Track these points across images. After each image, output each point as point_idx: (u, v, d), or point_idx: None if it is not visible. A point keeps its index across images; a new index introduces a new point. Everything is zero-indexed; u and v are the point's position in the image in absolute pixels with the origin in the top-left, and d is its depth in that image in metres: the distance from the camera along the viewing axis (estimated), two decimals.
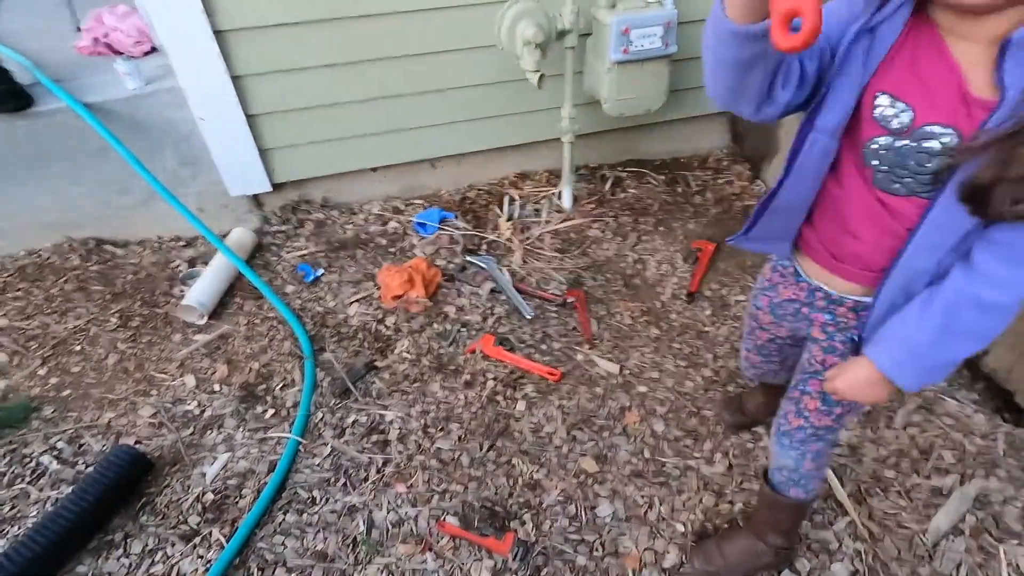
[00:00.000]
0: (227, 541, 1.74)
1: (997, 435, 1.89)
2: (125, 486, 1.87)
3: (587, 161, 3.44)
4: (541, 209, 3.10)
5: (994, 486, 1.76)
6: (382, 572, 1.69)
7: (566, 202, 3.10)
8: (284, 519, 1.82)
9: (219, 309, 2.63)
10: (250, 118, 2.74)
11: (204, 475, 1.95)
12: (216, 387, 2.27)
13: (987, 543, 1.66)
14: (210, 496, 1.89)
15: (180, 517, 1.84)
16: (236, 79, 2.61)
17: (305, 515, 1.83)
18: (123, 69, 2.60)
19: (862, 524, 1.73)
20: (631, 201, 3.19)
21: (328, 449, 2.02)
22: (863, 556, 1.67)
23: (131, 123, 2.68)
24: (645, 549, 1.72)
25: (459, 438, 2.03)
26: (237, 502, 1.88)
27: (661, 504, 1.82)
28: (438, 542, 1.74)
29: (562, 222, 3.02)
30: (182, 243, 3.05)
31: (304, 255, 2.90)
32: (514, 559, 1.67)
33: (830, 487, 1.83)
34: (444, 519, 1.80)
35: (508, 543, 1.70)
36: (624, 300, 2.58)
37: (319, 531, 1.79)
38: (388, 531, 1.78)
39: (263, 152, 2.87)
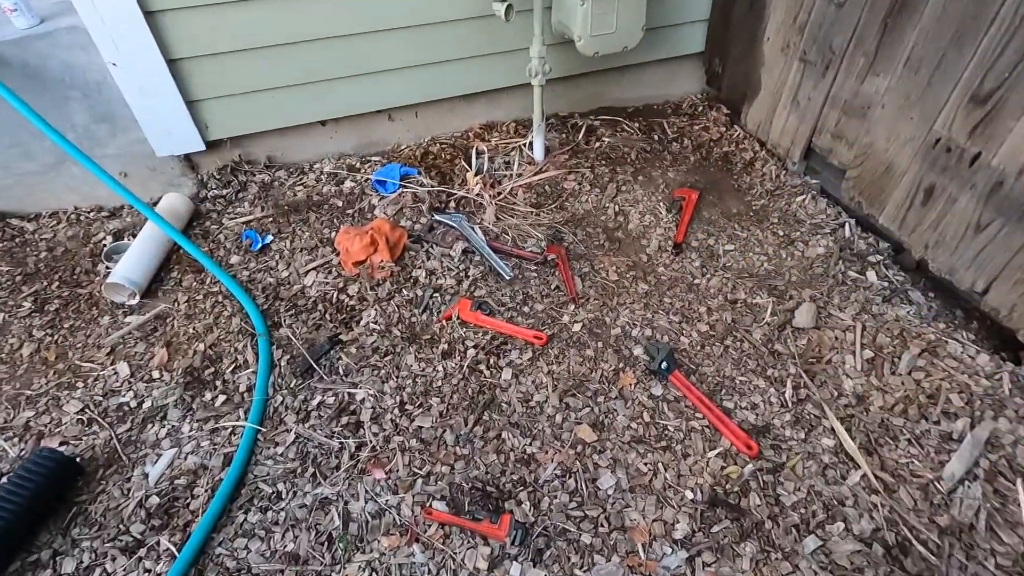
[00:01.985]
0: (179, 550, 1.50)
1: (1002, 375, 1.83)
2: (51, 495, 1.60)
3: (557, 110, 3.20)
4: (511, 161, 2.85)
5: (1004, 427, 1.70)
6: (364, 570, 1.49)
7: (538, 153, 2.86)
8: (246, 519, 1.59)
9: (154, 286, 2.31)
10: (173, 63, 2.36)
11: (146, 476, 1.69)
12: (155, 374, 1.98)
13: (1003, 486, 1.59)
14: (155, 500, 1.63)
15: (120, 527, 1.58)
16: (151, 15, 2.22)
17: (270, 513, 1.60)
18: (8, 4, 2.17)
19: (874, 476, 1.64)
20: (607, 150, 2.97)
21: (292, 436, 1.78)
22: (879, 509, 1.58)
23: (24, 70, 2.26)
24: (654, 520, 1.58)
25: (441, 414, 1.83)
26: (188, 504, 1.63)
27: (666, 470, 1.68)
28: (425, 531, 1.55)
29: (535, 175, 2.79)
30: (105, 213, 2.67)
31: (249, 221, 2.57)
32: (513, 543, 1.51)
33: (839, 441, 1.72)
34: (430, 505, 1.61)
35: (505, 526, 1.53)
36: (608, 255, 2.40)
37: (288, 530, 1.57)
38: (368, 523, 1.58)
39: (192, 104, 2.50)
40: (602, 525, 1.57)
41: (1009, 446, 1.66)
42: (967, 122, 1.86)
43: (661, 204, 2.64)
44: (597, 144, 3.01)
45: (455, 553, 1.51)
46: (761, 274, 2.29)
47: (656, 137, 3.09)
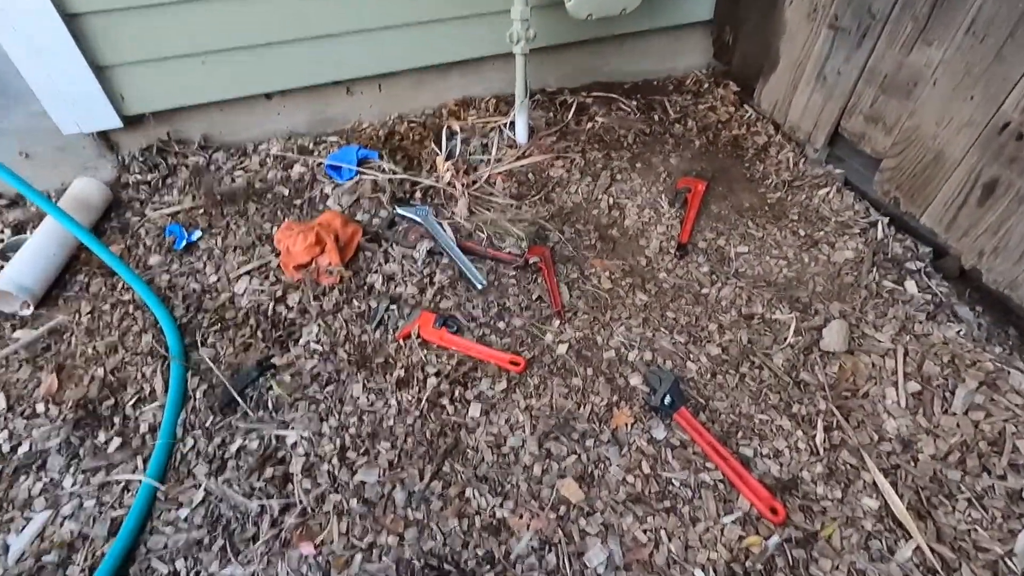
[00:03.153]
0: None
1: None
2: None
3: (543, 85, 2.79)
4: (490, 144, 2.45)
5: None
6: None
7: (520, 134, 2.46)
8: None
9: (55, 291, 1.91)
10: (72, 19, 1.92)
11: (7, 550, 1.32)
12: (40, 407, 1.59)
13: None
14: None
15: None
16: None
17: None
18: None
19: (930, 550, 1.31)
20: (600, 132, 2.58)
21: (200, 495, 1.41)
22: None
23: None
24: None
25: (391, 464, 1.47)
26: None
27: (671, 540, 1.34)
28: None
29: (517, 160, 2.40)
30: (4, 202, 2.25)
31: (177, 213, 2.17)
32: None
33: (884, 501, 1.39)
34: None
35: None
36: (600, 257, 2.03)
37: None
38: None
39: (101, 71, 2.06)
40: None
41: None
42: None
43: (662, 196, 2.26)
44: (589, 125, 2.62)
45: None
46: (780, 283, 1.94)
47: (656, 117, 2.70)
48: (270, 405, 1.59)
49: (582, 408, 1.59)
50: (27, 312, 1.84)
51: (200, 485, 1.42)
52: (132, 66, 2.10)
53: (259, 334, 1.76)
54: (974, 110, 1.68)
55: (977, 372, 1.60)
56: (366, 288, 1.91)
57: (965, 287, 1.92)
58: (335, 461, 1.47)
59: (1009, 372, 1.60)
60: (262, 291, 1.88)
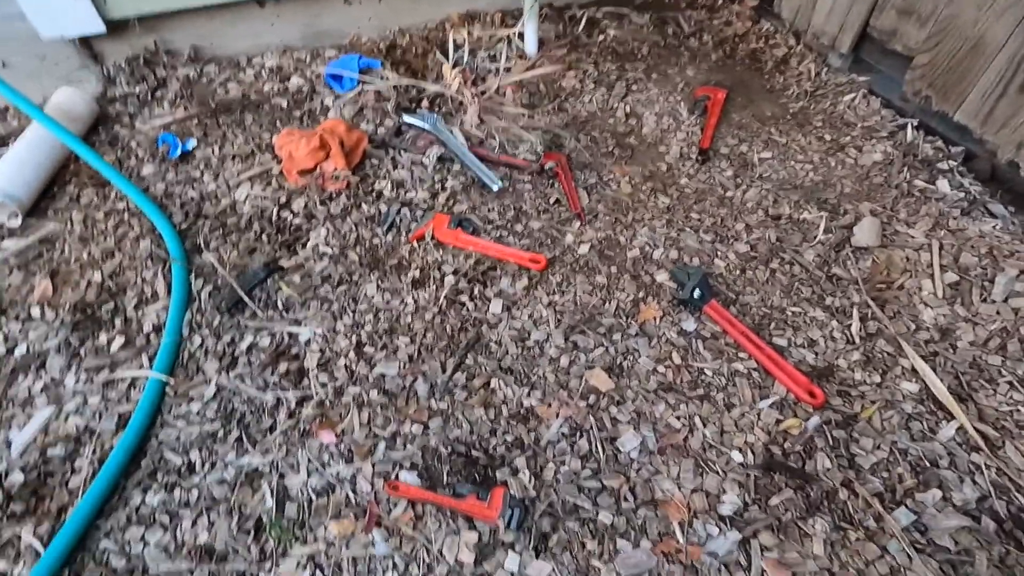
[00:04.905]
0: (45, 546, 1.08)
1: None
2: None
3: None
4: (498, 55, 2.32)
5: None
6: (305, 567, 1.09)
7: (530, 45, 2.33)
8: (144, 501, 1.17)
9: (43, 203, 1.80)
10: None
11: (9, 445, 1.25)
12: (35, 311, 1.51)
13: None
14: (18, 477, 1.20)
15: None
16: None
17: (178, 491, 1.18)
18: None
19: (974, 429, 1.27)
20: (612, 45, 2.46)
21: (212, 389, 1.34)
22: (983, 471, 1.21)
23: None
24: (693, 491, 1.19)
25: (410, 357, 1.40)
26: (66, 482, 1.20)
27: (705, 426, 1.29)
28: (390, 512, 1.15)
29: (527, 70, 2.27)
30: None
31: (169, 124, 2.04)
32: (508, 526, 1.11)
33: (924, 384, 1.34)
34: (396, 477, 1.20)
35: (497, 504, 1.13)
36: (619, 164, 1.94)
37: (201, 514, 1.15)
38: (311, 503, 1.17)
39: None
40: (625, 499, 1.18)
41: None
42: None
43: (681, 105, 2.16)
44: (601, 37, 2.49)
45: (430, 541, 1.12)
46: (807, 185, 1.86)
47: (671, 31, 2.57)
48: (280, 305, 1.51)
49: (607, 304, 1.52)
50: (15, 223, 1.74)
51: (211, 381, 1.35)
52: None
53: (264, 238, 1.67)
54: None
55: (1017, 261, 1.54)
56: (375, 194, 1.81)
57: (997, 188, 1.85)
58: (352, 355, 1.40)
59: None
60: (265, 197, 1.78)
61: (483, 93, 2.18)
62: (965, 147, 1.89)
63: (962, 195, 1.77)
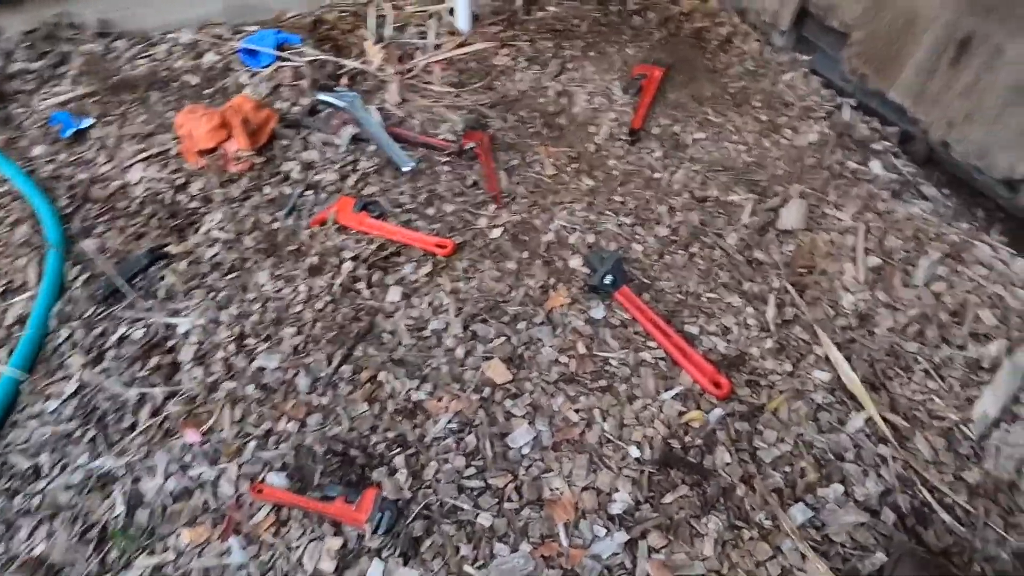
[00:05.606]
0: None
1: None
2: None
3: None
4: (427, 31, 2.21)
5: None
6: None
7: (462, 21, 2.22)
8: None
9: None
10: None
11: None
12: None
13: None
14: None
15: None
16: None
17: (19, 499, 1.09)
18: None
19: (883, 420, 1.21)
20: (551, 22, 2.35)
21: (73, 386, 1.24)
22: (889, 463, 1.15)
23: None
24: (584, 489, 1.12)
25: (295, 349, 1.31)
26: None
27: (605, 419, 1.22)
28: (251, 517, 1.06)
29: (457, 47, 2.17)
30: None
31: (67, 102, 1.91)
32: (376, 531, 1.03)
33: (836, 373, 1.28)
34: (262, 479, 1.11)
35: (366, 506, 1.04)
36: (546, 144, 1.85)
37: (42, 523, 1.05)
38: (166, 509, 1.08)
39: None
40: (510, 499, 1.10)
41: None
42: None
43: (616, 83, 2.07)
44: (540, 14, 2.39)
45: (291, 548, 1.03)
46: (739, 167, 1.78)
47: (614, 8, 2.47)
48: (161, 294, 1.40)
49: (515, 291, 1.43)
50: None
51: (72, 376, 1.24)
52: None
53: (154, 223, 1.56)
54: None
55: (941, 245, 1.48)
56: (281, 176, 1.70)
57: (932, 170, 1.79)
58: (231, 348, 1.30)
59: (975, 245, 1.49)
60: (160, 179, 1.67)
61: (409, 71, 2.07)
62: (902, 127, 1.83)
63: (895, 177, 1.71)
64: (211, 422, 1.18)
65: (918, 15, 1.63)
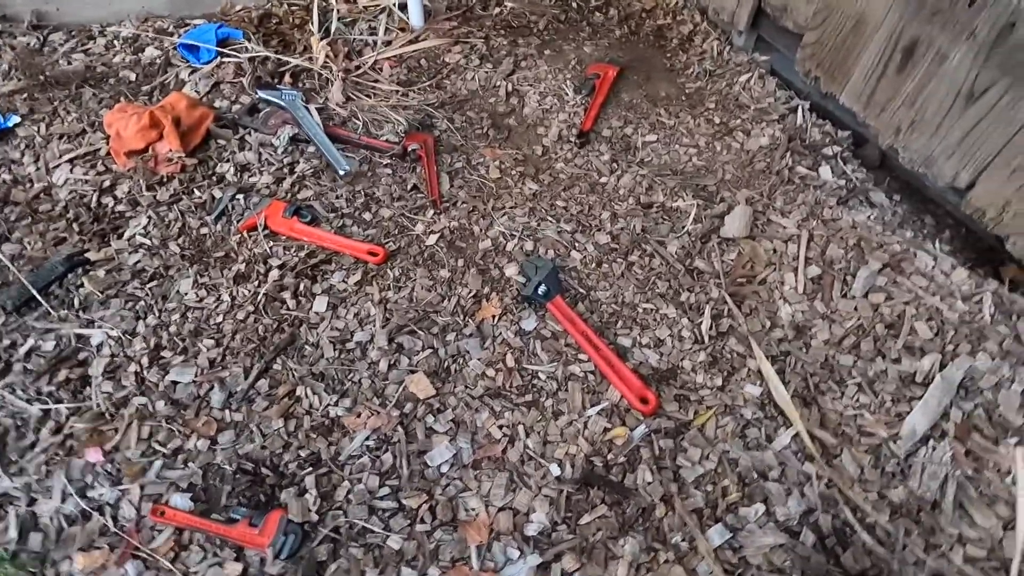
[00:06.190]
0: None
1: (982, 296, 1.37)
2: None
3: None
4: (378, 26, 2.15)
5: (983, 365, 1.25)
6: None
7: (414, 17, 2.16)
8: None
9: None
10: None
11: None
12: None
13: (978, 446, 1.16)
14: None
15: None
16: None
17: None
18: None
19: (810, 437, 1.18)
20: (509, 18, 2.30)
21: None
22: (814, 482, 1.13)
23: None
24: (500, 509, 1.09)
25: (211, 362, 1.26)
26: None
27: (528, 436, 1.18)
28: (151, 540, 1.02)
29: (408, 44, 2.11)
30: None
31: None
32: (278, 555, 0.99)
33: (767, 388, 1.25)
34: (166, 501, 1.07)
35: (270, 529, 1.01)
36: (492, 146, 1.80)
37: None
38: (61, 533, 1.03)
39: None
40: (422, 520, 1.07)
41: (989, 391, 1.23)
42: None
43: (568, 83, 2.02)
44: (497, 10, 2.33)
45: (189, 574, 0.99)
46: (688, 171, 1.75)
47: (575, 4, 2.41)
48: (77, 303, 1.35)
49: (446, 300, 1.40)
50: None
51: None
52: None
53: (76, 227, 1.50)
54: None
55: (882, 254, 1.45)
56: (215, 178, 1.65)
57: (885, 175, 1.77)
58: (144, 361, 1.25)
59: (916, 254, 1.46)
60: (86, 181, 1.61)
61: (357, 68, 2.01)
62: (855, 132, 1.80)
63: (843, 183, 1.68)
64: (116, 440, 1.14)
65: (866, 18, 1.59)
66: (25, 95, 1.83)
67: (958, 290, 1.40)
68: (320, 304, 1.36)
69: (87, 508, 1.06)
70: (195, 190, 1.60)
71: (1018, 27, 1.26)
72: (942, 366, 1.27)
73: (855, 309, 1.38)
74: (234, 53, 1.96)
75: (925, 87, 1.48)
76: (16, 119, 1.75)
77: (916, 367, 1.28)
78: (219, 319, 1.33)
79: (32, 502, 1.06)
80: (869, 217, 1.58)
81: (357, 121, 1.84)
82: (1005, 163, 1.36)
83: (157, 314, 1.34)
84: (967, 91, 1.39)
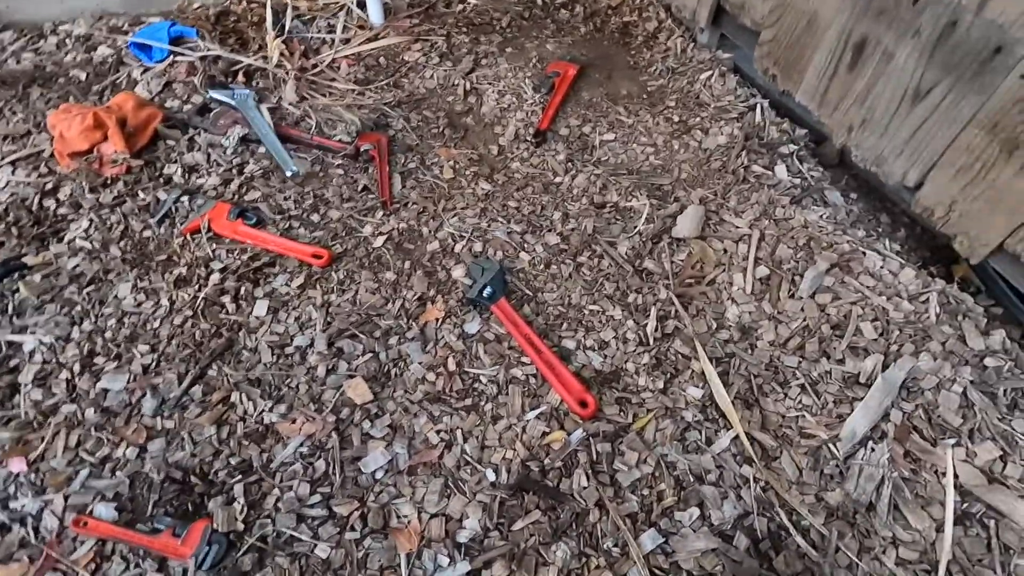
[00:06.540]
0: None
1: (928, 296, 1.37)
2: None
3: None
4: (336, 24, 2.12)
5: (926, 366, 1.25)
6: None
7: (374, 14, 2.14)
8: None
9: None
10: None
11: None
12: None
13: (917, 447, 1.16)
14: None
15: None
16: None
17: None
18: None
19: (749, 439, 1.18)
20: (471, 15, 2.28)
21: None
22: (751, 485, 1.12)
23: None
24: (433, 516, 1.08)
25: (145, 368, 1.24)
26: None
27: (466, 440, 1.17)
28: (72, 551, 1.00)
29: (367, 42, 2.08)
30: None
31: None
32: (200, 566, 0.98)
33: (709, 390, 1.24)
34: (89, 511, 1.05)
35: (193, 540, 0.99)
36: (447, 146, 1.78)
37: None
38: None
39: None
40: (353, 528, 1.06)
41: (930, 391, 1.22)
42: None
43: (528, 82, 2.00)
44: (460, 6, 2.31)
45: None
46: (644, 171, 1.74)
47: (540, 1, 2.40)
48: (10, 310, 1.33)
49: (391, 304, 1.38)
50: None
51: None
52: None
53: (15, 231, 1.47)
54: None
55: (831, 254, 1.45)
56: (161, 180, 1.62)
57: (843, 173, 1.77)
58: (76, 368, 1.23)
59: (865, 254, 1.46)
60: (27, 183, 1.58)
61: (314, 67, 1.99)
62: (815, 130, 1.79)
63: (797, 182, 1.68)
64: (41, 449, 1.11)
65: (819, 16, 1.58)
66: None
67: (905, 290, 1.39)
68: (261, 308, 1.34)
69: (6, 520, 1.03)
70: (140, 192, 1.57)
71: (959, 26, 1.25)
72: (885, 367, 1.26)
73: (802, 310, 1.37)
74: (187, 52, 1.93)
75: (874, 86, 1.48)
76: None
77: (859, 368, 1.27)
78: (156, 324, 1.31)
79: None
80: (822, 216, 1.57)
81: (310, 121, 1.81)
82: (950, 162, 1.36)
83: (93, 319, 1.32)
84: (913, 90, 1.38)
